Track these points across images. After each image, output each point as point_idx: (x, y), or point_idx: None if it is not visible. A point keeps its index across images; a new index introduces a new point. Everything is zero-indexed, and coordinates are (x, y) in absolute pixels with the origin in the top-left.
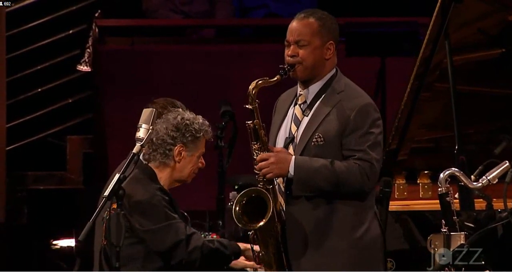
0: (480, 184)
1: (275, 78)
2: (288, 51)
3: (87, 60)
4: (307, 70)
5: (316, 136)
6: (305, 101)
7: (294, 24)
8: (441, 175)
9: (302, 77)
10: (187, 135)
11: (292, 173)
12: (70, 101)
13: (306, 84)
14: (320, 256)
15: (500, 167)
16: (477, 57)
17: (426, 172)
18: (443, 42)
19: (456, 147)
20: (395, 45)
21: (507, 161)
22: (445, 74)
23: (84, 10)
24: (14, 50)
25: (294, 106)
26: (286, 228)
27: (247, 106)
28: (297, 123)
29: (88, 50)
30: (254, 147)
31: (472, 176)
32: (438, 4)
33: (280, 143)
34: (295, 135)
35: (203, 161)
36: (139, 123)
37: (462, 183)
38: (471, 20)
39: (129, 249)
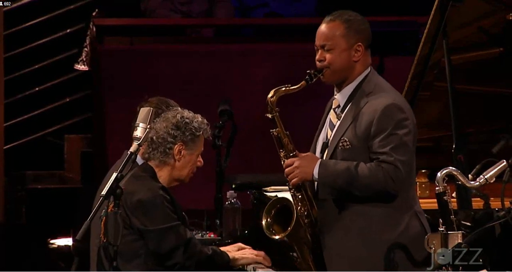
0: (477, 183)
1: (299, 85)
2: (316, 56)
3: (84, 59)
4: (336, 74)
5: (342, 141)
6: (339, 105)
7: (321, 28)
8: (439, 174)
9: (331, 81)
10: (187, 134)
11: (317, 177)
12: (68, 100)
13: (339, 87)
14: (355, 260)
15: (498, 166)
16: (477, 56)
17: (423, 171)
18: (441, 41)
19: (454, 146)
20: (395, 45)
21: (504, 160)
22: (444, 73)
23: (82, 9)
24: (12, 49)
25: (331, 110)
26: (319, 233)
27: (267, 115)
28: (332, 127)
29: (86, 49)
30: (281, 155)
31: (469, 175)
32: (436, 2)
33: (318, 148)
34: (329, 140)
35: (201, 160)
36: (137, 122)
37: (460, 182)
38: (471, 19)
39: (132, 245)
